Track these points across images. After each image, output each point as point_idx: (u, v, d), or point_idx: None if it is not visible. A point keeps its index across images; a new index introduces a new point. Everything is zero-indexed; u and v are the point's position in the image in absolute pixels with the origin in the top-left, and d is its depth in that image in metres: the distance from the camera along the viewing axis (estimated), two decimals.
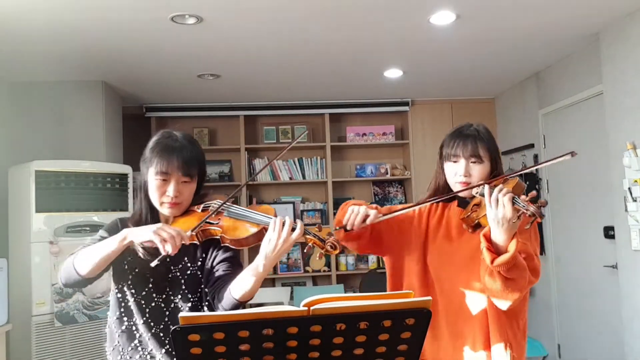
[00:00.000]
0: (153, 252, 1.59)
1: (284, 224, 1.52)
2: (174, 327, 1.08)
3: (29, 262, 3.57)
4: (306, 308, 1.12)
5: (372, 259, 5.53)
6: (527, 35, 3.72)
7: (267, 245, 1.52)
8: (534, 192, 1.52)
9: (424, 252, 1.80)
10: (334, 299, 1.14)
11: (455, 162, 1.76)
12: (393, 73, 4.57)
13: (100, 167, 3.97)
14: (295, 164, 5.55)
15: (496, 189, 1.54)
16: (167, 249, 1.50)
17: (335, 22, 3.36)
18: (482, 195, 1.61)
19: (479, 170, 1.73)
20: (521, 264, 1.54)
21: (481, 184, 1.65)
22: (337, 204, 5.55)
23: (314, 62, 4.17)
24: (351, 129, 5.64)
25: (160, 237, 1.50)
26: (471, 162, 1.74)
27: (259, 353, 1.13)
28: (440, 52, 4.05)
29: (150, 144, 1.73)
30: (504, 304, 1.59)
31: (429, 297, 1.19)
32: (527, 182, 4.79)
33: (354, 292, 5.22)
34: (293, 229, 1.52)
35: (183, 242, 1.54)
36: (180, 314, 1.09)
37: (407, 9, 3.20)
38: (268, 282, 5.42)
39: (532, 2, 3.15)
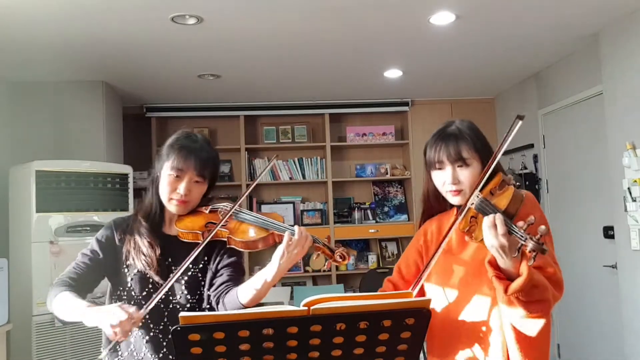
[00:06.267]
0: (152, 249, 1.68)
1: (302, 235, 1.54)
2: (175, 327, 1.08)
3: (29, 262, 3.57)
4: (306, 308, 1.12)
5: (372, 258, 5.53)
6: (527, 35, 3.72)
7: (281, 255, 1.53)
8: (531, 218, 1.33)
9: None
10: (334, 299, 1.14)
11: (440, 169, 1.60)
12: (393, 73, 4.57)
13: (100, 167, 3.98)
14: (295, 164, 5.56)
15: (488, 218, 1.37)
16: (118, 338, 1.46)
17: (335, 22, 3.37)
18: (477, 209, 1.45)
19: (467, 176, 1.57)
20: (540, 282, 1.36)
21: (473, 194, 1.48)
22: (337, 204, 5.56)
23: (314, 62, 4.18)
24: (351, 129, 5.64)
25: (109, 324, 1.45)
26: (457, 167, 1.57)
27: (259, 353, 1.13)
28: (440, 52, 4.05)
29: (170, 140, 1.75)
30: (531, 330, 1.41)
31: (429, 297, 1.19)
32: (527, 182, 4.79)
33: (354, 292, 5.22)
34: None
35: (134, 325, 1.48)
36: (181, 314, 1.09)
37: (407, 9, 3.20)
38: None
39: (531, 2, 3.16)
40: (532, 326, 1.40)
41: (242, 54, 3.92)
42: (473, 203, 1.47)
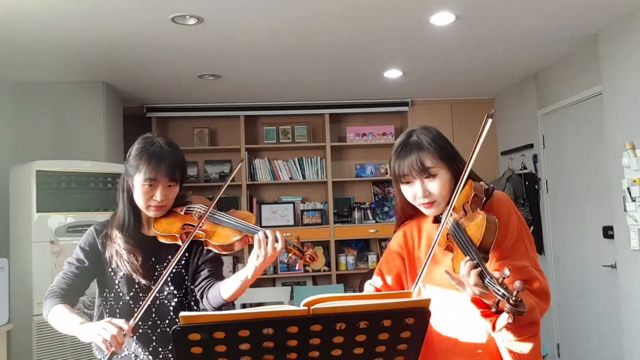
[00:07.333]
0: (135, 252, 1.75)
1: (268, 239, 1.60)
2: (175, 327, 1.09)
3: (30, 262, 3.58)
4: (306, 308, 1.12)
5: (372, 258, 5.53)
6: (527, 35, 3.72)
7: (256, 259, 1.60)
8: (506, 271, 1.23)
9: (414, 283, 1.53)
10: (334, 299, 1.14)
11: (408, 182, 1.56)
12: (393, 73, 4.58)
13: (100, 167, 3.98)
14: (295, 164, 5.56)
15: (460, 272, 1.30)
16: (112, 349, 1.49)
17: (335, 22, 3.37)
18: (451, 235, 1.41)
19: (436, 187, 1.52)
20: (528, 305, 1.25)
21: (446, 212, 1.45)
22: (337, 204, 5.56)
23: (314, 62, 4.18)
24: (351, 129, 5.65)
25: (102, 338, 1.49)
26: (425, 179, 1.53)
27: (259, 352, 1.13)
28: (440, 52, 4.05)
29: (134, 151, 1.79)
30: (524, 349, 1.38)
31: (429, 297, 1.19)
32: (527, 182, 4.80)
33: (354, 292, 5.22)
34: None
35: (125, 335, 1.51)
36: (181, 314, 1.10)
37: (407, 9, 3.21)
38: (268, 281, 5.43)
39: (531, 2, 3.16)
40: (524, 347, 1.37)
41: (242, 54, 3.92)
42: (448, 224, 1.43)
